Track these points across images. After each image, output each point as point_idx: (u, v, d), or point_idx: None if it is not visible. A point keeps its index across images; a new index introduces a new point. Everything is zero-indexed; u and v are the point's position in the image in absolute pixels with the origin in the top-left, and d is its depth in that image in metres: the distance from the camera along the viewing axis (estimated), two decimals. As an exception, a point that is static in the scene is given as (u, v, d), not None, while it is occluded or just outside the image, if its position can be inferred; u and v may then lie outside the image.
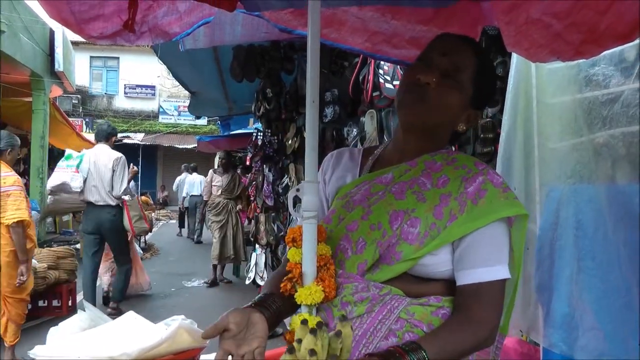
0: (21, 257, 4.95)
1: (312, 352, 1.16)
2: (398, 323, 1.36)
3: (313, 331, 1.16)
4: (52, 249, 7.54)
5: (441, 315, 1.39)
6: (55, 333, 2.56)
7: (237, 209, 9.75)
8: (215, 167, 10.42)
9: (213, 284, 9.29)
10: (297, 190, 1.39)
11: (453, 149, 1.65)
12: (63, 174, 6.70)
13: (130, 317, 2.73)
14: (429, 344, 1.28)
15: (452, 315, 1.40)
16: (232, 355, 1.26)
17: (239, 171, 10.72)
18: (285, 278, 1.40)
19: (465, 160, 1.49)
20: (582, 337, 2.16)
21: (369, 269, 1.42)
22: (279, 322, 1.44)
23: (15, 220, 4.87)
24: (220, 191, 9.64)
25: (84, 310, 2.73)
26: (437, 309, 1.39)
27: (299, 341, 1.20)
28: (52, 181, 6.84)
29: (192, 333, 2.47)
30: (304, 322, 1.24)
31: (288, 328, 1.35)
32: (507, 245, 1.43)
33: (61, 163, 6.83)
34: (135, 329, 2.57)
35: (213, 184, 9.82)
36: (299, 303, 1.35)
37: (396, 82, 3.85)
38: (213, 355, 3.23)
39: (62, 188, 6.79)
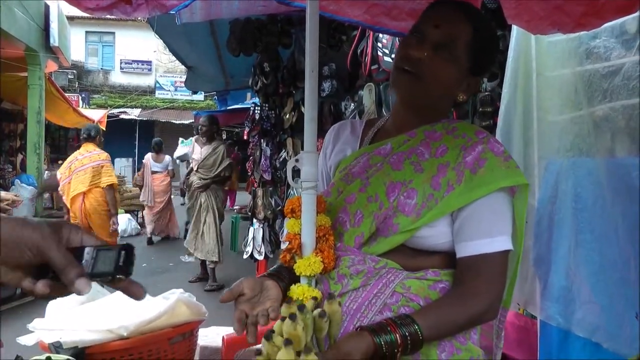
0: (113, 211, 7.09)
1: (288, 341, 1.11)
2: (393, 297, 1.35)
3: (292, 316, 1.12)
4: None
5: (439, 290, 1.37)
6: (54, 306, 2.56)
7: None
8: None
9: (199, 279, 7.80)
10: (297, 160, 1.37)
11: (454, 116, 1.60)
12: (185, 148, 10.65)
13: (129, 291, 2.73)
14: (422, 318, 1.27)
15: (451, 289, 1.37)
16: (248, 316, 1.26)
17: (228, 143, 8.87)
18: (284, 249, 1.39)
19: (465, 129, 1.45)
20: (579, 310, 2.17)
21: (366, 241, 1.40)
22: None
23: (109, 183, 7.02)
24: (197, 167, 7.58)
25: (83, 284, 2.73)
26: (434, 283, 1.37)
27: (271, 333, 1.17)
28: (178, 152, 10.86)
29: (191, 306, 2.47)
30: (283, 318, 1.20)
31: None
32: (509, 216, 1.39)
33: (180, 144, 11.35)
34: (133, 303, 2.57)
35: (192, 156, 7.88)
36: (297, 274, 1.35)
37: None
38: (211, 328, 3.25)
39: (185, 157, 10.43)
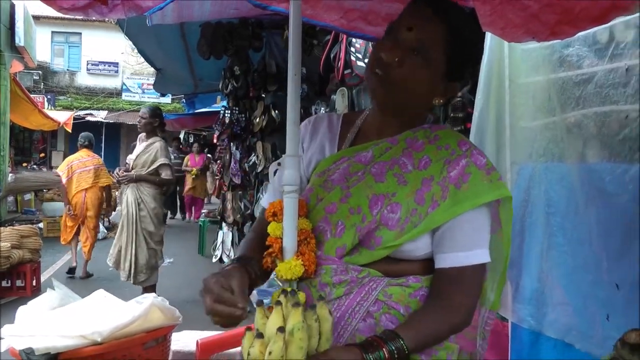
0: (107, 205, 8.73)
1: (281, 329, 1.15)
2: (375, 305, 1.36)
3: (281, 329, 1.16)
4: (15, 227, 7.40)
5: (419, 297, 1.38)
6: (25, 312, 2.51)
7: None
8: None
9: None
10: (279, 164, 1.37)
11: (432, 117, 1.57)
12: None
13: (100, 295, 2.69)
14: (406, 332, 1.28)
15: (429, 300, 1.38)
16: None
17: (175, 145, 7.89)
18: (265, 253, 1.38)
19: (448, 139, 1.44)
20: (551, 312, 2.21)
21: (347, 252, 1.39)
22: (253, 288, 1.39)
23: (107, 183, 8.44)
24: (131, 167, 6.34)
25: (54, 289, 2.68)
26: (415, 291, 1.38)
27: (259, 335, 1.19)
28: None
29: (165, 310, 2.44)
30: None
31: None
32: (487, 228, 1.40)
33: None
34: (106, 307, 2.53)
35: (131, 156, 6.73)
36: (279, 278, 1.34)
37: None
38: (183, 333, 3.22)
39: None
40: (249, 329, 1.22)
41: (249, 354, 1.17)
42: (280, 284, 1.36)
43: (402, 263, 1.40)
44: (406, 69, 1.37)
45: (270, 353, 1.14)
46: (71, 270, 8.12)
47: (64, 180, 8.28)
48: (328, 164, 1.53)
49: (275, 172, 1.44)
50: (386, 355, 1.23)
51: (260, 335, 1.18)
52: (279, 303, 1.20)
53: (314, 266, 1.36)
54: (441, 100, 1.47)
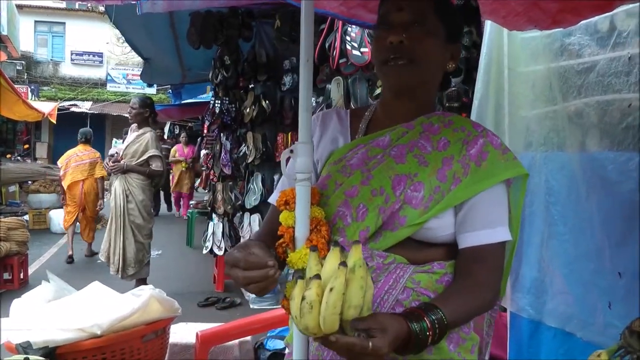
0: (101, 196, 9.35)
1: (343, 263, 1.11)
2: (405, 293, 1.35)
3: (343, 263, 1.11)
4: (1, 220, 7.32)
5: (445, 283, 1.39)
6: (19, 305, 2.48)
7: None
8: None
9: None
10: (291, 151, 1.35)
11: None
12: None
13: (96, 288, 2.67)
14: (443, 304, 1.28)
15: (457, 279, 1.39)
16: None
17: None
18: (277, 243, 1.37)
19: (462, 123, 1.48)
20: (551, 301, 2.22)
21: (371, 236, 1.39)
22: None
23: (102, 175, 9.23)
24: (121, 156, 6.23)
25: (48, 281, 2.65)
26: (441, 277, 1.39)
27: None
28: (112, 150, 10.19)
29: (163, 302, 2.42)
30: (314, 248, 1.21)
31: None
32: (506, 207, 1.43)
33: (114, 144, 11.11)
34: (102, 300, 2.51)
35: (121, 146, 6.58)
36: (290, 268, 1.33)
37: (363, 49, 3.83)
38: (180, 325, 3.21)
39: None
40: (300, 277, 1.18)
41: (303, 298, 1.11)
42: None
43: (425, 249, 1.40)
44: (417, 43, 1.40)
45: (331, 290, 1.09)
46: (69, 257, 8.69)
47: (61, 172, 9.31)
48: (343, 152, 1.53)
49: (287, 160, 1.42)
50: (428, 325, 1.22)
51: (316, 277, 1.13)
52: (336, 244, 1.17)
53: (324, 252, 1.34)
54: (453, 65, 1.52)
